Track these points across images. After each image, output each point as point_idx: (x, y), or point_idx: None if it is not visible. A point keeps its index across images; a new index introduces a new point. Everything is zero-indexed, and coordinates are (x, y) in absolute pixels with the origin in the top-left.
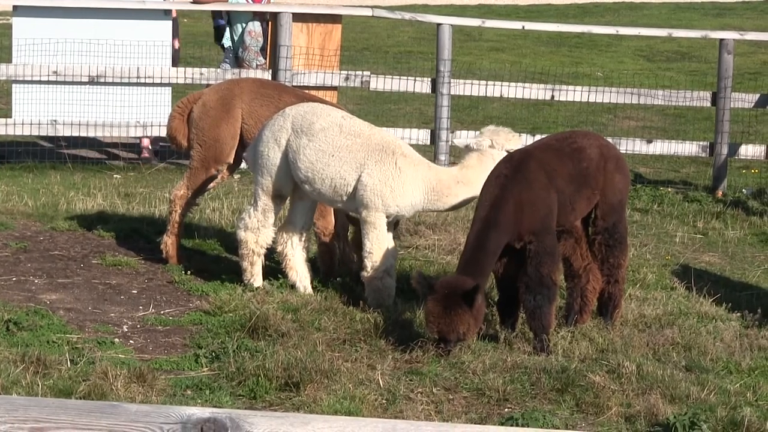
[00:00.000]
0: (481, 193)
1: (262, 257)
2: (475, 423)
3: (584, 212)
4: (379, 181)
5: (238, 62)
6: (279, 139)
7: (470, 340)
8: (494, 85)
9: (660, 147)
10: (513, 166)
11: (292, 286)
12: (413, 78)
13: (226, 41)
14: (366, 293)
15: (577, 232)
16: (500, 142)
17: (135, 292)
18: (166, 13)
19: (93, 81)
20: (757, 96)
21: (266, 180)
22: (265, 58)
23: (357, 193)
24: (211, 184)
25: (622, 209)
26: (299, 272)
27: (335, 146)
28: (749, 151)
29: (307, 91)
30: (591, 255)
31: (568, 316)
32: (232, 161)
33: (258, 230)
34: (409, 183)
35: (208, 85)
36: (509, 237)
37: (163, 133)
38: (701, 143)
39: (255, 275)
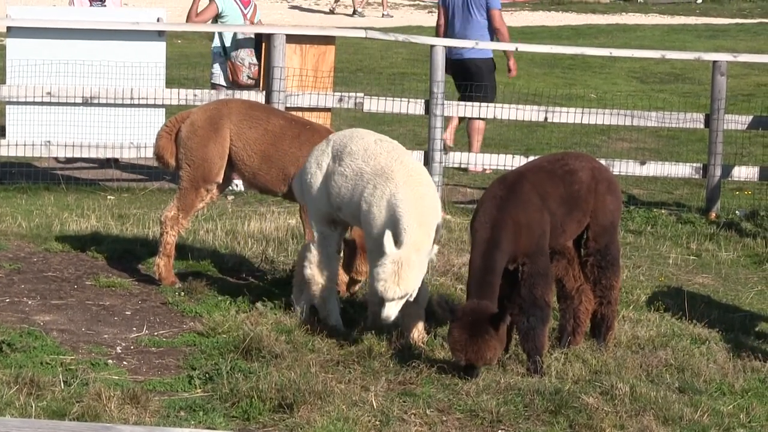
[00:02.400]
0: (476, 214)
1: (336, 291)
2: None
3: (574, 234)
4: (367, 207)
5: (227, 66)
6: (321, 164)
7: (494, 363)
8: (488, 106)
9: (653, 169)
10: (507, 187)
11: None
12: (407, 99)
13: (216, 46)
14: (367, 314)
15: (570, 254)
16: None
17: (128, 313)
18: (159, 35)
19: (87, 102)
20: (750, 118)
21: (317, 208)
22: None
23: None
24: (201, 204)
25: (614, 231)
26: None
27: (354, 171)
28: (742, 172)
29: (296, 114)
30: (584, 276)
31: (561, 337)
32: (221, 181)
33: (322, 263)
34: (382, 212)
35: None
36: (508, 257)
37: None
38: (694, 165)
39: (331, 311)
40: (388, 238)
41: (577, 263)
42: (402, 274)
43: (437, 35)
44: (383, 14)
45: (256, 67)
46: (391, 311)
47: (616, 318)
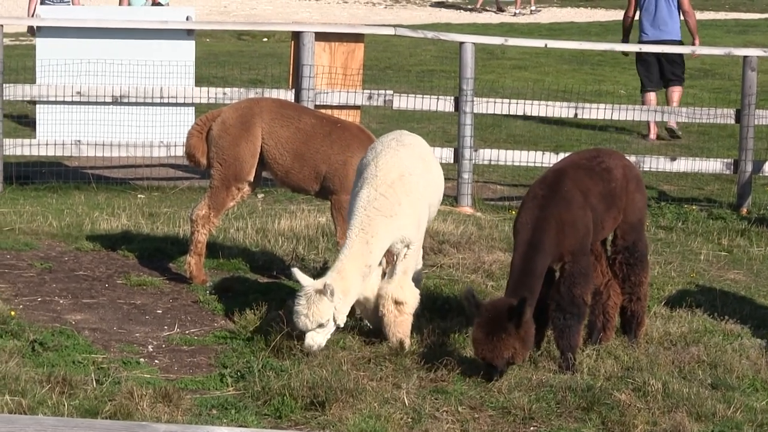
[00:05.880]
0: (519, 214)
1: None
2: None
3: (609, 232)
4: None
5: None
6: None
7: (520, 362)
8: (517, 103)
9: (684, 164)
10: (548, 186)
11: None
12: (436, 96)
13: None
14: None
15: (596, 250)
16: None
17: (160, 311)
18: (188, 33)
19: (116, 101)
20: None
21: None
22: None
23: None
24: (232, 203)
25: (642, 228)
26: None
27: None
28: None
29: (327, 112)
30: (612, 273)
31: (591, 334)
32: (252, 179)
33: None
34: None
35: None
36: (552, 258)
37: None
38: (725, 160)
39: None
40: (297, 273)
41: (604, 259)
42: (311, 308)
43: (624, 26)
44: (531, 10)
45: None
46: (308, 340)
47: (647, 314)
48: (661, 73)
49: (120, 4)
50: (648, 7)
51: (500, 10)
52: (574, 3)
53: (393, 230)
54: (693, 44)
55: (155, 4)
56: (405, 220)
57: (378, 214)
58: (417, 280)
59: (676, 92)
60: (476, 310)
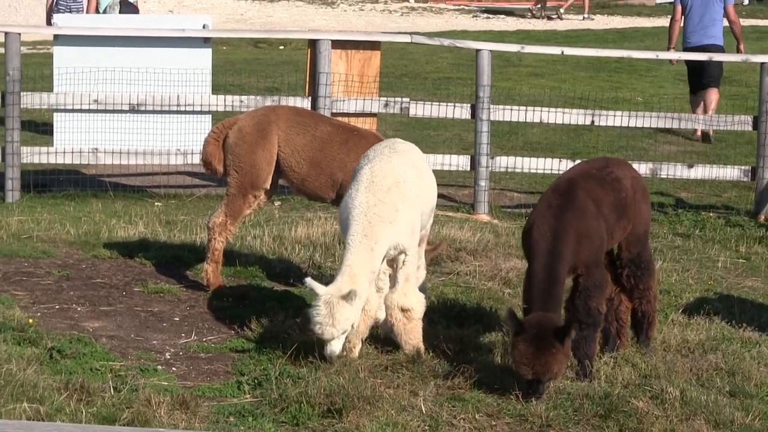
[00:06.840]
0: (533, 224)
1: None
2: None
3: (618, 242)
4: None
5: None
6: None
7: (560, 377)
8: (534, 110)
9: (701, 172)
10: (561, 195)
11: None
12: (453, 104)
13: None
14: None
15: (604, 258)
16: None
17: (177, 319)
18: (205, 41)
19: (134, 109)
20: None
21: None
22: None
23: None
24: (249, 210)
25: (646, 238)
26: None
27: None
28: None
29: (343, 120)
30: (619, 284)
31: (607, 341)
32: (269, 187)
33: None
34: (344, 214)
35: None
36: (570, 268)
37: None
38: (743, 167)
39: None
40: (311, 282)
41: (611, 267)
42: (336, 315)
43: (671, 31)
44: (584, 17)
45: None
46: (334, 347)
47: (657, 313)
48: (700, 76)
49: (88, 8)
50: (692, 14)
51: (549, 18)
52: (590, 10)
53: (391, 236)
54: (738, 49)
55: (123, 2)
56: (402, 226)
57: (379, 220)
58: (421, 289)
59: (713, 94)
60: (519, 328)
